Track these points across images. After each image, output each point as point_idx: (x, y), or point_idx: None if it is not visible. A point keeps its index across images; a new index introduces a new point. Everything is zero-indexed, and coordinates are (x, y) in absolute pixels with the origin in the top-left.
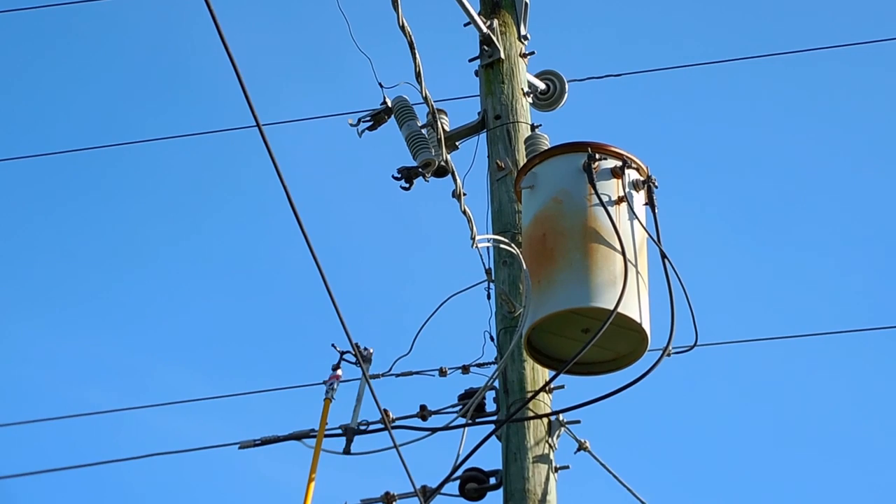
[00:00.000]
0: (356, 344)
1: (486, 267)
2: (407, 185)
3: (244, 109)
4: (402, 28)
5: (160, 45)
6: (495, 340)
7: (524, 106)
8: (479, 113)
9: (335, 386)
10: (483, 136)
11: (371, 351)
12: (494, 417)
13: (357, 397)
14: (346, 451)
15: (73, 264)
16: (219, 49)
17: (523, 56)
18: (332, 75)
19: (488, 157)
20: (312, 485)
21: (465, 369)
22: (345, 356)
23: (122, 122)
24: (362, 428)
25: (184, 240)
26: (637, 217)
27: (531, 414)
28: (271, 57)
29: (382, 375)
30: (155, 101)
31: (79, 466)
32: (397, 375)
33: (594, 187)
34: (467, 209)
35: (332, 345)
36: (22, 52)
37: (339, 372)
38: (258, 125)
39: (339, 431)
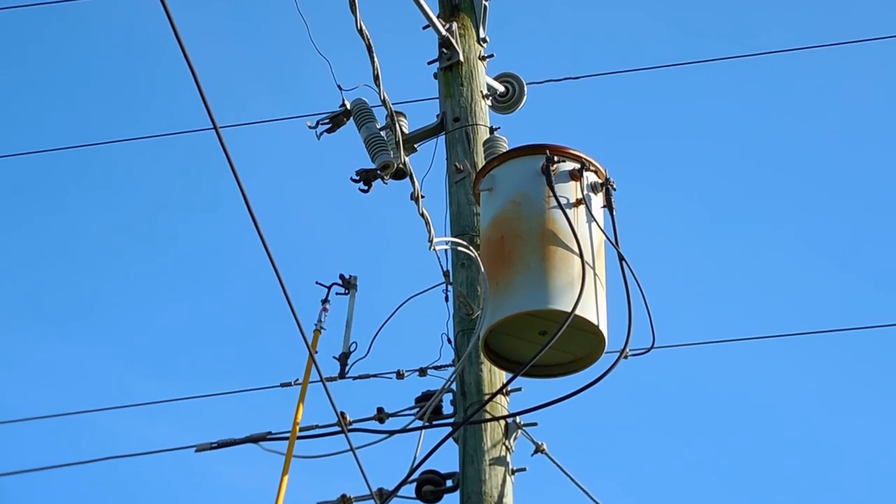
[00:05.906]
0: (341, 274)
1: (444, 269)
2: (366, 188)
3: (205, 114)
4: (361, 31)
5: (123, 52)
6: (453, 343)
7: (483, 108)
8: (437, 115)
9: (324, 317)
10: (442, 138)
11: (356, 277)
12: (451, 420)
13: (346, 322)
14: (342, 376)
15: (30, 268)
16: (177, 52)
17: (482, 59)
18: (291, 79)
19: (447, 159)
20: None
21: (423, 372)
22: (332, 288)
23: (81, 128)
24: (352, 349)
25: (146, 244)
26: (595, 219)
27: (488, 416)
28: (231, 61)
29: (339, 378)
30: (113, 109)
31: (35, 470)
32: (354, 378)
33: (552, 190)
34: (425, 211)
35: (317, 282)
36: None
37: (328, 305)
38: (214, 125)
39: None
